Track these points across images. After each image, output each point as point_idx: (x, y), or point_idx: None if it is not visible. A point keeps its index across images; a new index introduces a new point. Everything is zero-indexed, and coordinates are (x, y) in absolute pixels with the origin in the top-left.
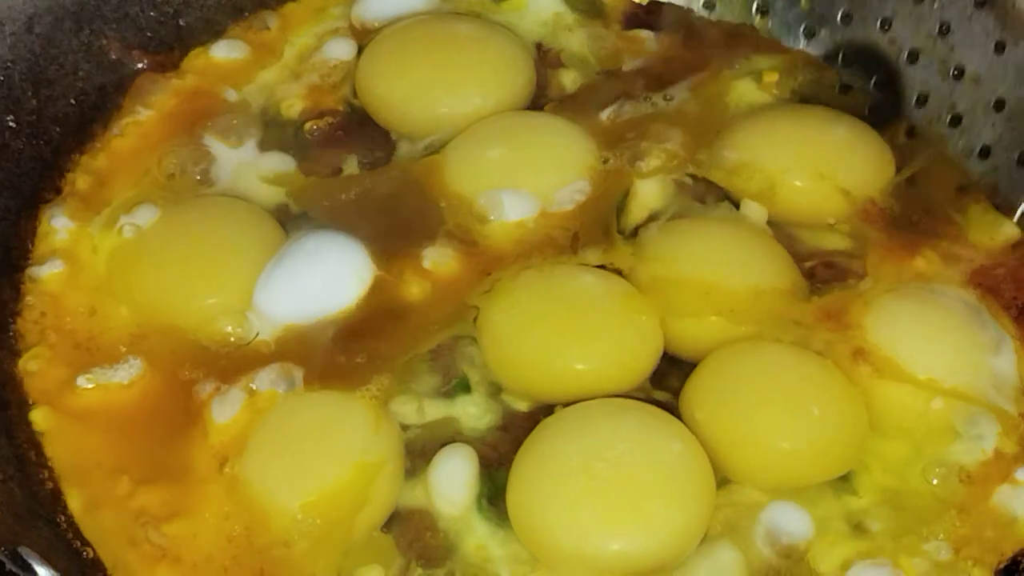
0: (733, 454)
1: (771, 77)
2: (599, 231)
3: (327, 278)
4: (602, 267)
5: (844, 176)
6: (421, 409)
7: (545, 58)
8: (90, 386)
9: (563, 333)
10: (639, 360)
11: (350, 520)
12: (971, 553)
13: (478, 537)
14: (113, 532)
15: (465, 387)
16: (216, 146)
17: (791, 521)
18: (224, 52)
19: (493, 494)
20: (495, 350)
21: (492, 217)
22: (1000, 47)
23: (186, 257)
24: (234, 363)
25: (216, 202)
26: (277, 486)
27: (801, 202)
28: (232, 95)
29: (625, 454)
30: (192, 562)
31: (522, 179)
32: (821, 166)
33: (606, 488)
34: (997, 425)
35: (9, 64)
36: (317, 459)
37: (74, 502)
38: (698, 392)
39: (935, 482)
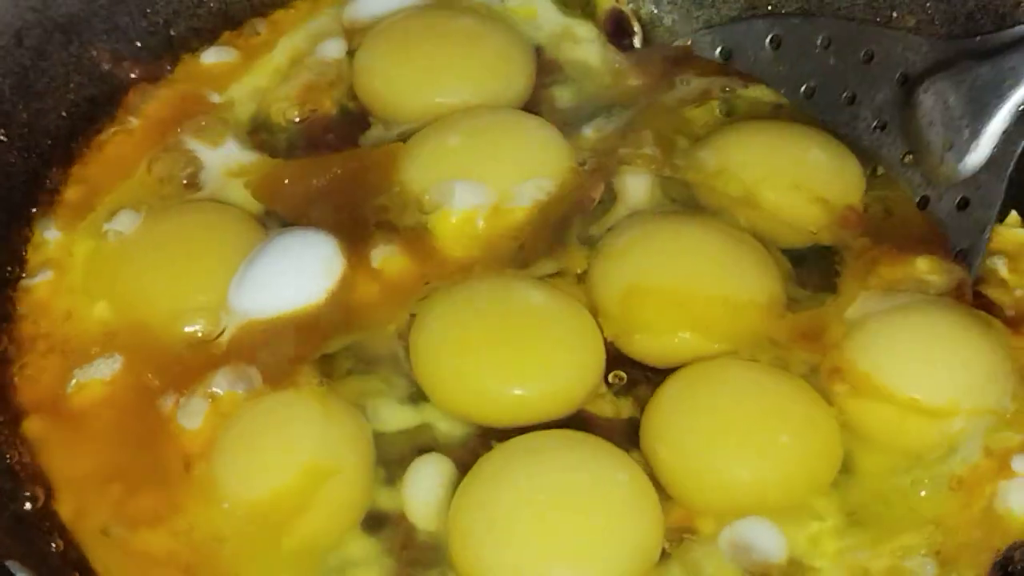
0: (694, 489)
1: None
2: (555, 236)
3: (291, 273)
4: (556, 274)
5: (820, 190)
6: (392, 415)
7: (543, 68)
8: (74, 388)
9: (492, 353)
10: (575, 387)
11: (288, 523)
12: (960, 560)
13: None
14: (101, 537)
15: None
16: (202, 151)
17: (761, 537)
18: (214, 57)
19: None
20: (421, 364)
21: (444, 205)
22: (924, 202)
23: (162, 262)
24: (189, 367)
25: (195, 207)
26: (228, 481)
27: (780, 209)
28: (216, 98)
29: (570, 489)
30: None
31: (478, 170)
32: (798, 179)
33: (551, 526)
34: (988, 424)
35: None
36: (267, 457)
37: (65, 510)
38: (659, 421)
39: (923, 494)
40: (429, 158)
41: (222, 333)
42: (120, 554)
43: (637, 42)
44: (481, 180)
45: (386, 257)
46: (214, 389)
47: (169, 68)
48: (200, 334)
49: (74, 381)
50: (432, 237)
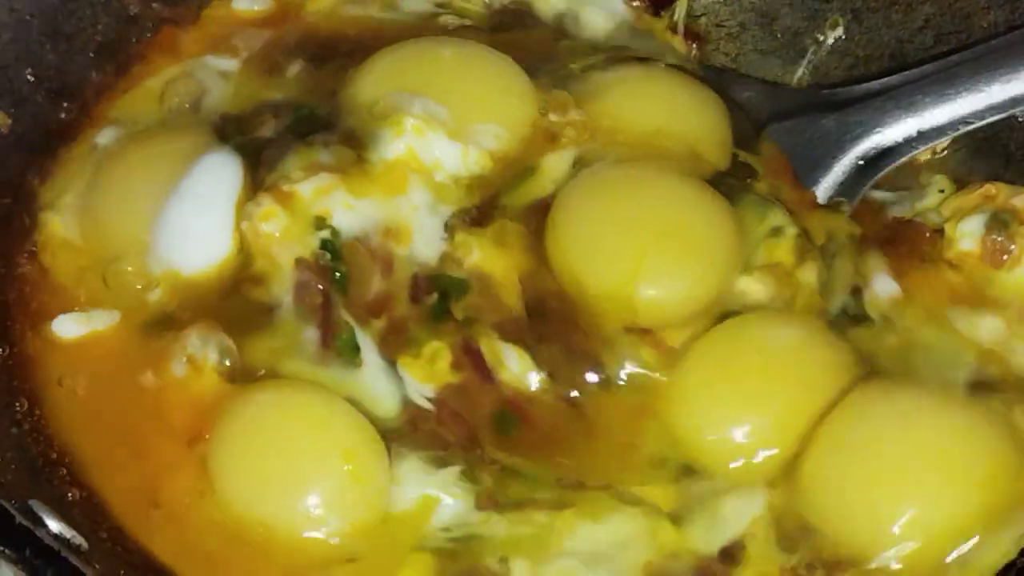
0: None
1: None
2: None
3: (201, 217)
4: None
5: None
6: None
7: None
8: (66, 332)
9: None
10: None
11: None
12: None
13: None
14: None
15: (352, 348)
16: (211, 77)
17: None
18: (246, 4)
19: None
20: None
21: (399, 111)
22: None
23: (102, 193)
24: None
25: (156, 134)
26: (249, 492)
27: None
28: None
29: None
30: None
31: (443, 95)
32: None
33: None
34: None
35: (28, 18)
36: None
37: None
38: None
39: None
40: (391, 70)
41: (154, 284)
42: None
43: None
44: (443, 104)
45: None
46: (191, 351)
47: (197, 12)
48: (137, 283)
49: (64, 329)
50: (373, 155)
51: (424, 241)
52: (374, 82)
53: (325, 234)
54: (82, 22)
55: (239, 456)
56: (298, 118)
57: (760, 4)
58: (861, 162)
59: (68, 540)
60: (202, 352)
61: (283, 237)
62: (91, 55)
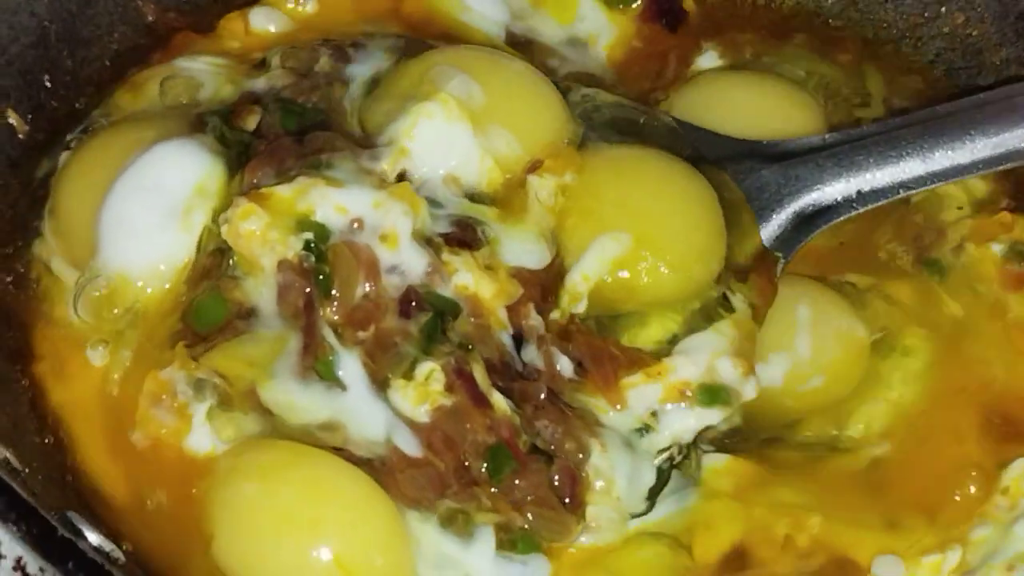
0: None
1: None
2: None
3: (156, 205)
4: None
5: None
6: (290, 396)
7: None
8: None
9: None
10: None
11: None
12: None
13: None
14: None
15: (328, 371)
16: (204, 73)
17: None
18: (262, 21)
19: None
20: None
21: (440, 86)
22: None
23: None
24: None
25: (123, 127)
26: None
27: None
28: None
29: None
30: None
31: (483, 78)
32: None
33: None
34: None
35: (46, 24)
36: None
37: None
38: None
39: None
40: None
41: (118, 306)
42: None
43: None
44: (482, 88)
45: None
46: (180, 399)
47: (213, 21)
48: (99, 305)
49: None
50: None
51: (412, 249)
52: (422, 71)
53: (308, 235)
54: (99, 29)
55: (232, 554)
56: (286, 112)
57: (773, 27)
58: (798, 218)
59: (108, 553)
60: (189, 397)
61: (265, 236)
62: (107, 62)
